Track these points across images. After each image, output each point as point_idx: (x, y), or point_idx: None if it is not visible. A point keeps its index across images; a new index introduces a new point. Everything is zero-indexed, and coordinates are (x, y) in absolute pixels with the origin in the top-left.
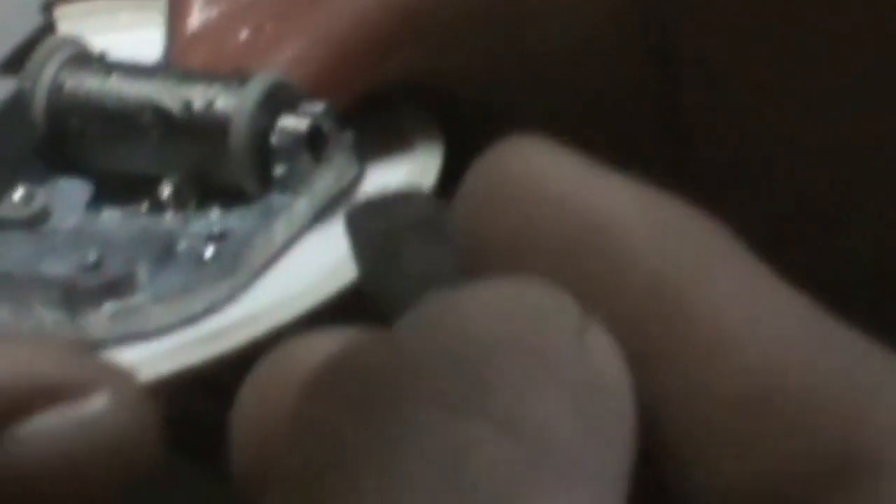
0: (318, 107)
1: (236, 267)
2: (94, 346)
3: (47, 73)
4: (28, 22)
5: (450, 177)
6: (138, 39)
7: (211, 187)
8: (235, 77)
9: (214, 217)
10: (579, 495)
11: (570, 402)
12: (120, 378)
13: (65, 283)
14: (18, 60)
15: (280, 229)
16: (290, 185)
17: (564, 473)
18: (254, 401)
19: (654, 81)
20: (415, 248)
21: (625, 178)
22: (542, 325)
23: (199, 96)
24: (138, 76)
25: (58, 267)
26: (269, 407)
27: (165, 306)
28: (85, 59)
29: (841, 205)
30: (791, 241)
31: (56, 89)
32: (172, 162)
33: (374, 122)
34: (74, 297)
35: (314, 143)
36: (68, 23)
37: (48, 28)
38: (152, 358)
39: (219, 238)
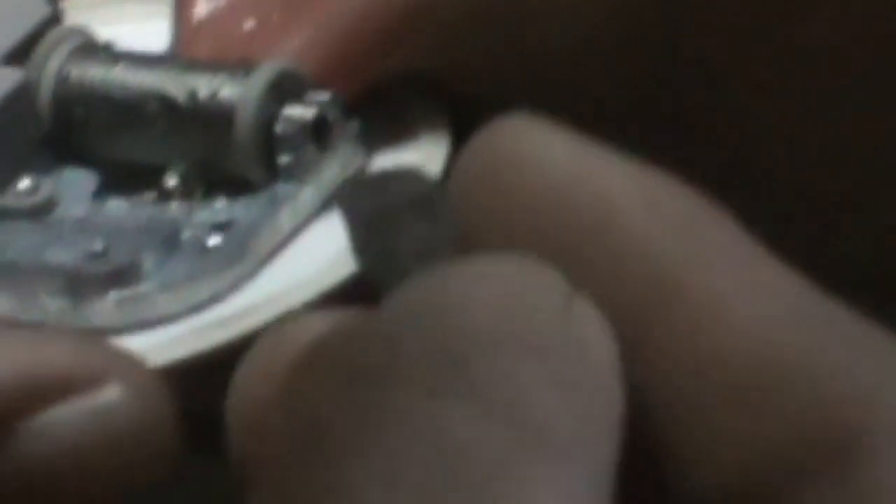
0: (323, 96)
1: (242, 256)
2: (100, 335)
3: (53, 63)
4: (34, 12)
5: None
6: (144, 30)
7: (216, 177)
8: (241, 66)
9: (220, 206)
10: (562, 472)
11: (552, 379)
12: (133, 367)
13: (70, 272)
14: (24, 51)
15: (285, 218)
16: (296, 174)
17: (547, 451)
18: (248, 383)
19: (655, 81)
20: (408, 227)
21: (619, 156)
22: (525, 302)
23: (204, 86)
24: (144, 66)
25: (63, 256)
26: (262, 389)
27: (171, 295)
28: (91, 49)
29: (841, 205)
30: (791, 242)
31: (62, 79)
32: (178, 151)
33: (379, 112)
34: (79, 286)
35: (320, 133)
36: (75, 13)
37: (54, 18)
38: (158, 346)
39: (224, 227)
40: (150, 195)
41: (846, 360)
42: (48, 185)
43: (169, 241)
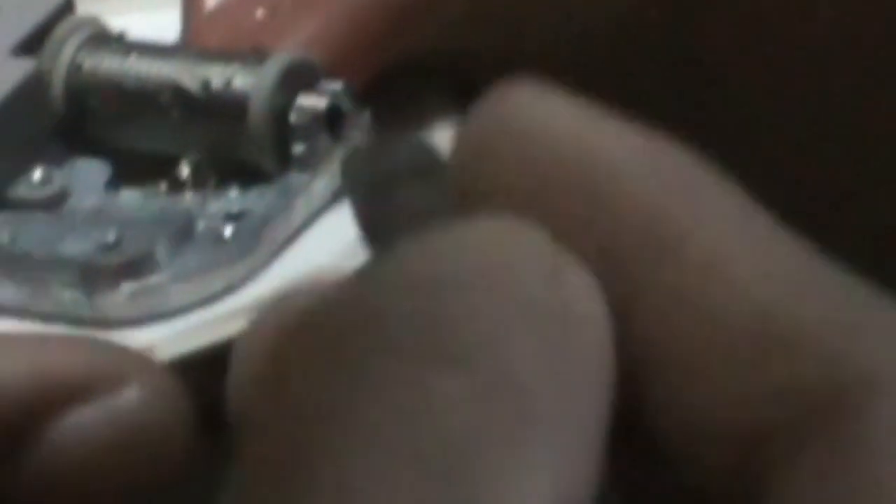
0: (336, 85)
1: (255, 246)
2: (113, 326)
3: (66, 53)
4: (47, 2)
5: None
6: (156, 19)
7: (230, 167)
8: (253, 56)
9: (233, 196)
10: (548, 437)
11: (538, 342)
12: (150, 369)
13: (83, 263)
14: (37, 41)
15: (299, 208)
16: (309, 164)
17: (533, 416)
18: (244, 357)
19: (655, 81)
20: (408, 192)
21: (622, 121)
22: (512, 266)
23: (217, 75)
24: (157, 56)
25: (76, 247)
26: (257, 362)
27: (184, 286)
28: (103, 39)
29: (840, 205)
30: None
31: (75, 69)
32: (191, 141)
33: (392, 101)
34: (92, 277)
35: (333, 122)
36: (87, 3)
37: (67, 8)
38: (171, 338)
39: (238, 217)
40: (163, 185)
41: (846, 320)
42: (61, 176)
43: (182, 231)
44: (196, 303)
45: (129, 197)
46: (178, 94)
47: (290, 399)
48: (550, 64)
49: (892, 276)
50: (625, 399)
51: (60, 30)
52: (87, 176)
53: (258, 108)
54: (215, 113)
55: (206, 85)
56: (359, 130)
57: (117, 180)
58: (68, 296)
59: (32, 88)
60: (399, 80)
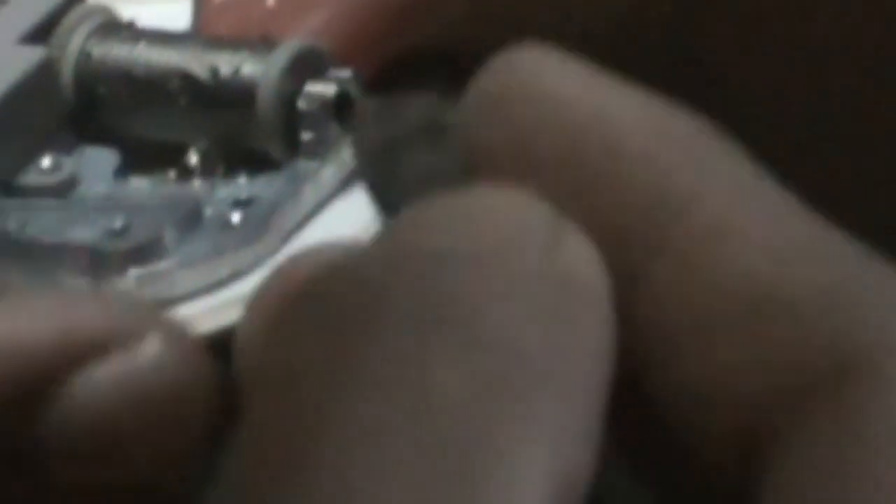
0: (345, 73)
1: (263, 232)
2: None
3: (76, 41)
4: None
5: None
6: (166, 8)
7: (238, 154)
8: (262, 44)
9: (242, 183)
10: (548, 404)
11: (537, 311)
12: (168, 324)
13: (91, 249)
14: (47, 29)
15: (307, 195)
16: (318, 151)
17: (532, 382)
18: (254, 316)
19: (655, 81)
20: (415, 154)
21: (631, 86)
22: (511, 235)
23: (226, 63)
24: (166, 44)
25: (84, 233)
26: (265, 322)
27: (192, 271)
28: (113, 27)
29: (840, 205)
30: None
31: (84, 58)
32: (200, 128)
33: (400, 89)
34: (100, 263)
35: (341, 110)
36: None
37: None
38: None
39: (246, 204)
40: (171, 173)
41: (854, 289)
42: (70, 164)
43: (190, 217)
44: (203, 289)
45: (138, 184)
46: (187, 81)
47: (288, 369)
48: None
49: None
50: (628, 366)
51: (70, 18)
52: (96, 163)
53: (267, 95)
54: (224, 100)
55: (214, 72)
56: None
57: (126, 168)
58: (76, 282)
59: (42, 76)
60: (404, 73)
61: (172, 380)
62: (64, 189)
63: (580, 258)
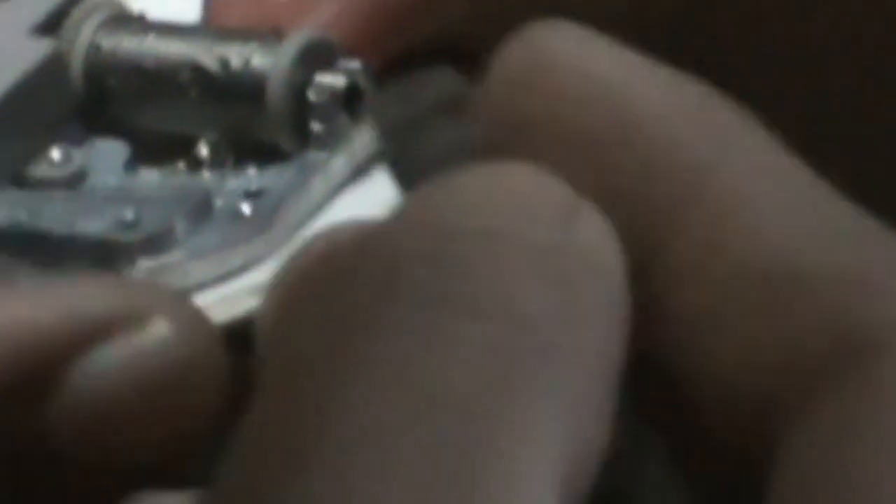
0: (354, 64)
1: (273, 224)
2: None
3: (85, 33)
4: None
5: None
6: (176, 0)
7: (248, 146)
8: (272, 35)
9: (251, 174)
10: (562, 379)
11: (550, 285)
12: (178, 304)
13: (101, 241)
14: (56, 21)
15: (317, 187)
16: (328, 142)
17: (546, 358)
18: (275, 295)
19: None
20: (434, 129)
21: (655, 62)
22: (525, 210)
23: (236, 54)
24: (175, 36)
25: (94, 225)
26: (284, 298)
27: (202, 263)
28: (122, 19)
29: None
30: None
31: (93, 50)
32: (210, 120)
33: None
34: (110, 254)
35: (351, 101)
36: None
37: None
38: None
39: (256, 195)
40: (181, 164)
41: (874, 266)
42: (80, 156)
43: (200, 209)
44: (214, 280)
45: (148, 176)
46: (197, 73)
47: (293, 356)
48: None
49: None
50: (644, 342)
51: (79, 10)
52: (106, 155)
53: (277, 86)
54: (234, 92)
55: (225, 64)
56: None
57: (136, 159)
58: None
59: (52, 69)
60: (413, 65)
61: (179, 360)
62: (74, 181)
63: (594, 233)
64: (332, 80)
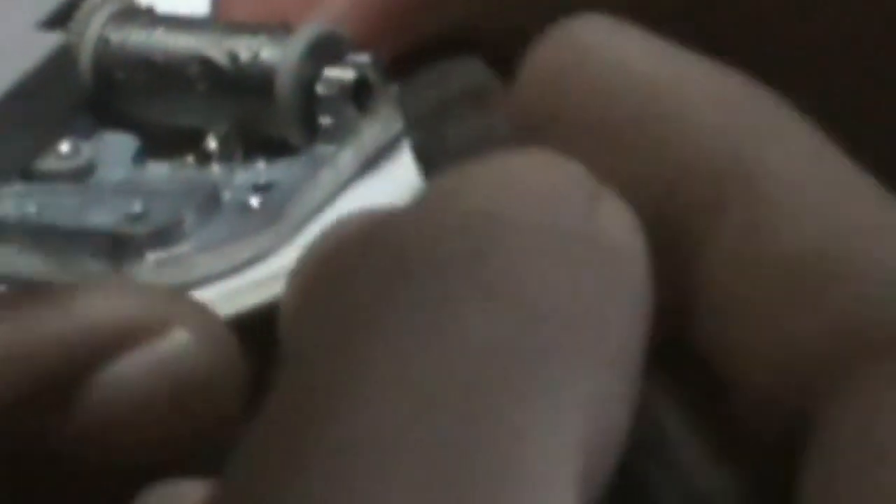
0: (363, 58)
1: (282, 216)
2: None
3: (94, 27)
4: None
5: None
6: None
7: (256, 139)
8: (281, 28)
9: (260, 168)
10: (580, 370)
11: (573, 274)
12: (199, 314)
13: (109, 233)
14: (66, 14)
15: (325, 180)
16: (336, 136)
17: (566, 343)
18: (295, 278)
19: None
20: (461, 117)
21: (693, 54)
22: (547, 198)
23: (245, 48)
24: (184, 29)
25: (103, 218)
26: (304, 283)
27: (211, 255)
28: (131, 12)
29: None
30: None
31: (102, 43)
32: (219, 114)
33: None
34: (119, 247)
35: (360, 95)
36: None
37: None
38: None
39: (264, 188)
40: (190, 158)
41: None
42: (88, 149)
43: (209, 202)
44: (222, 272)
45: (157, 169)
46: (206, 66)
47: (307, 340)
48: None
49: None
50: (672, 330)
51: (88, 3)
52: (115, 149)
53: (285, 80)
54: (243, 85)
55: (234, 58)
56: (386, 104)
57: (144, 153)
58: (95, 266)
59: (61, 62)
60: (427, 57)
61: (200, 368)
62: (82, 174)
63: (616, 221)
64: (340, 73)
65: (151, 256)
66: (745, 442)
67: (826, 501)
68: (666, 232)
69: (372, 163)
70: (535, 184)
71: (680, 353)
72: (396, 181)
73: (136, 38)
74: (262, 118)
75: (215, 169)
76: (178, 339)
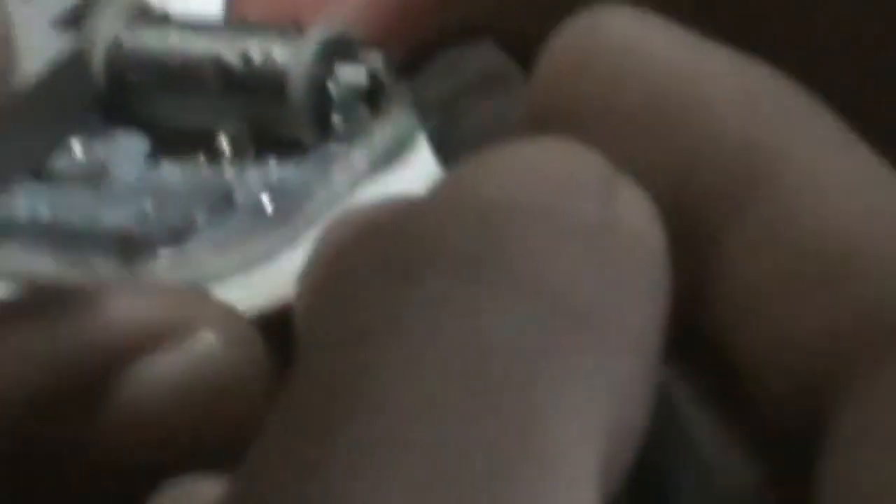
0: (375, 58)
1: (293, 216)
2: None
3: (107, 28)
4: None
5: None
6: None
7: (268, 139)
8: (293, 29)
9: (272, 167)
10: (599, 360)
11: (591, 263)
12: (225, 315)
13: (121, 232)
14: (78, 15)
15: (337, 179)
16: (348, 136)
17: (583, 337)
18: (311, 266)
19: None
20: (476, 104)
21: (715, 45)
22: (564, 185)
23: (257, 48)
24: (197, 31)
25: (115, 217)
26: (321, 272)
27: (222, 255)
28: (144, 14)
29: None
30: None
31: (115, 44)
32: (231, 114)
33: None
34: (131, 247)
35: (372, 95)
36: None
37: None
38: None
39: (276, 188)
40: (202, 158)
41: None
42: (101, 150)
43: (221, 201)
44: (234, 272)
45: (169, 169)
46: (219, 67)
47: (339, 316)
48: None
49: None
50: (690, 318)
51: (101, 5)
52: (127, 149)
53: (298, 80)
54: (255, 86)
55: (246, 58)
56: (399, 103)
57: (156, 153)
58: (108, 266)
59: (73, 63)
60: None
61: (228, 369)
62: (95, 174)
63: (634, 210)
64: (352, 73)
65: (164, 256)
66: (762, 431)
67: (846, 493)
68: (684, 220)
69: (384, 162)
70: (553, 172)
71: (694, 341)
72: (408, 181)
73: (149, 39)
74: (275, 118)
75: (227, 169)
76: (204, 340)
